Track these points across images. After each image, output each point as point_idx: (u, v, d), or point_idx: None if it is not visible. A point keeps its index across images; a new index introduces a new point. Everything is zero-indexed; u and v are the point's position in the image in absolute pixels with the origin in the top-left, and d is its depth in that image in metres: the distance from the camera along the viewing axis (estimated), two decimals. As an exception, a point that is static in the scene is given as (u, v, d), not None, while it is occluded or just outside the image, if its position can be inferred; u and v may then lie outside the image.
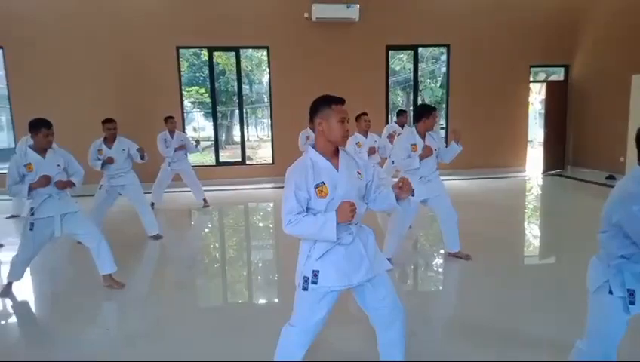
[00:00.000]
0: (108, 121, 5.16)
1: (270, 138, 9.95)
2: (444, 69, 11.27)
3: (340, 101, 2.08)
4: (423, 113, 4.10)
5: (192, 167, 7.32)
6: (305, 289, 2.06)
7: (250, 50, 10.90)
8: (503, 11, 9.50)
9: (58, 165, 3.62)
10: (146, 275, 4.54)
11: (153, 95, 8.82)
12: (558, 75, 10.88)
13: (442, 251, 4.71)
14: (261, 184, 8.86)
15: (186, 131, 9.07)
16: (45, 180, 3.47)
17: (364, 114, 5.71)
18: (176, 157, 6.85)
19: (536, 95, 16.88)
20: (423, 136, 4.10)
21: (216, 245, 5.71)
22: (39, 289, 4.09)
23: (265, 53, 9.75)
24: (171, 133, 6.81)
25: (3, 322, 3.49)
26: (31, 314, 3.66)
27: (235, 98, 13.28)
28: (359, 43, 9.23)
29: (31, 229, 3.59)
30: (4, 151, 12.22)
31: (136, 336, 3.07)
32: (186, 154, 7.04)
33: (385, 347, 2.27)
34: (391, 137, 6.68)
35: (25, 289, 3.92)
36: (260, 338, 2.88)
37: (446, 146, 4.34)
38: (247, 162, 10.19)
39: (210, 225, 6.69)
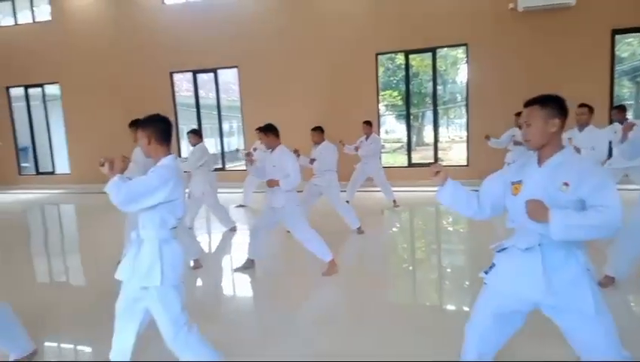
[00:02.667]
0: (313, 129, 5.81)
1: (464, 139, 9.59)
2: (696, 51, 8.93)
3: (525, 104, 1.99)
4: None
5: (384, 168, 7.61)
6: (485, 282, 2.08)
7: (446, 49, 10.66)
8: None
9: (274, 165, 4.20)
10: (347, 265, 4.76)
11: (354, 101, 9.49)
12: None
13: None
14: (453, 187, 8.60)
15: (380, 134, 9.46)
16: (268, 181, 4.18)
17: (581, 106, 4.97)
18: (367, 159, 7.22)
19: None
20: None
21: (405, 246, 5.80)
22: (264, 269, 4.71)
23: (462, 51, 9.44)
24: (367, 136, 7.22)
25: (240, 295, 4.29)
26: (259, 290, 4.34)
27: (427, 99, 13.21)
28: (576, 30, 8.09)
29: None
30: (235, 153, 14.85)
31: (335, 318, 3.41)
32: (379, 157, 7.38)
33: None
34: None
35: (253, 269, 4.64)
36: (448, 343, 2.84)
37: None
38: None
39: (398, 225, 6.83)
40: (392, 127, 18.10)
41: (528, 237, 1.91)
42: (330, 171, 5.73)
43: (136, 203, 2.22)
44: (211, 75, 10.77)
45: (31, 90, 12.14)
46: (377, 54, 9.54)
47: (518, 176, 1.99)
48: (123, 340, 2.54)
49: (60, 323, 3.49)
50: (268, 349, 2.96)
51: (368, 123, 7.26)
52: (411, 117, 10.65)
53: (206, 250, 5.77)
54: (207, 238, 6.34)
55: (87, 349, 3.13)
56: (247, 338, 3.13)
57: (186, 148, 13.67)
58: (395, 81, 14.26)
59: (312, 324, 3.39)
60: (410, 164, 9.93)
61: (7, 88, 12.13)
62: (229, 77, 11.49)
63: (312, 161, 5.71)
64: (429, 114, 11.44)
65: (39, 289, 4.53)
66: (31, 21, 11.81)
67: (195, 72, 10.82)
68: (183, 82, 11.74)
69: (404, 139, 10.61)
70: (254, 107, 10.18)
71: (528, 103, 1.97)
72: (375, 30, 9.32)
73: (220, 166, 10.60)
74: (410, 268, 4.80)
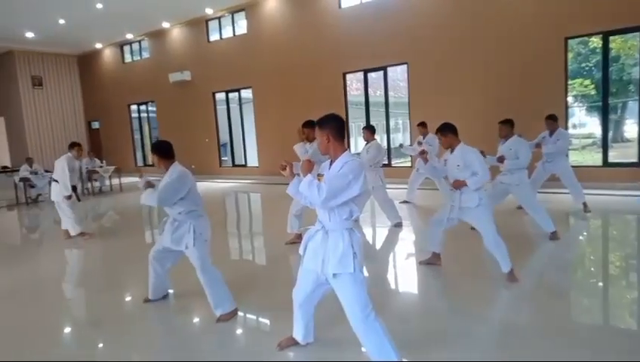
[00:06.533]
0: (501, 122, 5.37)
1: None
2: None
3: None
4: None
5: (572, 167, 6.71)
6: None
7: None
8: None
9: (458, 165, 4.02)
10: (528, 272, 4.43)
11: (536, 93, 8.62)
12: None
13: None
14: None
15: (567, 129, 8.36)
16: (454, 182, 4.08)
17: None
18: (551, 157, 6.46)
19: None
20: None
21: (593, 258, 5.05)
22: (439, 267, 4.61)
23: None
24: (551, 132, 6.46)
25: (409, 290, 4.37)
26: (431, 287, 4.31)
27: (631, 87, 11.08)
28: None
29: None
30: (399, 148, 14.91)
31: (512, 329, 3.18)
32: (566, 154, 6.52)
33: None
34: None
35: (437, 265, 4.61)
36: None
37: None
38: (644, 164, 8.38)
39: (587, 234, 5.97)
40: (582, 121, 15.79)
41: None
42: (520, 169, 5.27)
43: (336, 198, 2.37)
44: (380, 73, 11.03)
45: (230, 95, 14.31)
46: (567, 38, 8.43)
47: None
48: (307, 322, 2.90)
49: (245, 295, 4.01)
50: (436, 351, 2.92)
51: (552, 117, 6.46)
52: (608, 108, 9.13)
53: (372, 243, 6.00)
54: (372, 232, 6.56)
55: (267, 321, 3.55)
56: (415, 336, 3.12)
57: (354, 144, 14.35)
58: (587, 68, 12.29)
59: (488, 332, 3.23)
60: (606, 164, 8.51)
61: (214, 93, 14.54)
62: (396, 74, 11.61)
63: (501, 159, 5.24)
64: (633, 105, 9.61)
65: (231, 264, 5.36)
66: (232, 35, 13.89)
67: (365, 71, 11.23)
68: (353, 81, 12.32)
69: (598, 134, 9.17)
70: (423, 102, 10.08)
71: None
72: (565, 11, 8.25)
73: (386, 162, 10.82)
74: (600, 284, 4.18)
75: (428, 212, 7.36)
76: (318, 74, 11.77)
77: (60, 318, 3.93)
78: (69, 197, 6.46)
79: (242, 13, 13.39)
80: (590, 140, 12.78)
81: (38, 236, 7.39)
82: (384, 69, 10.87)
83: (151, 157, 17.29)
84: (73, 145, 6.70)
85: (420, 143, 7.63)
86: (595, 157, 8.94)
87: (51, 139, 18.09)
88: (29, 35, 15.05)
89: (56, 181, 6.52)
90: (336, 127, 2.51)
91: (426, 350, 2.91)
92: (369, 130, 6.39)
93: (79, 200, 6.88)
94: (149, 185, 3.51)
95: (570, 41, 8.61)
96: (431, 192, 8.45)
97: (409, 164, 10.68)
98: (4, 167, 15.25)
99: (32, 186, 10.92)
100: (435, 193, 8.19)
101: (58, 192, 6.50)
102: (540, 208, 5.34)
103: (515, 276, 4.00)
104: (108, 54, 17.86)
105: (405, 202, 8.03)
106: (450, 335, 3.12)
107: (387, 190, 6.49)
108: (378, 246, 5.87)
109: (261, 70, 13.05)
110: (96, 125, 19.30)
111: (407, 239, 5.98)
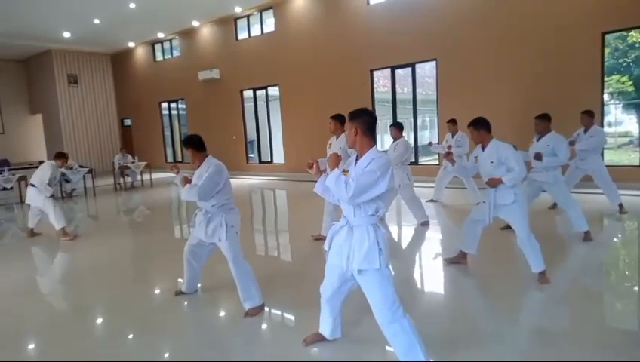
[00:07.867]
0: (538, 117, 5.23)
1: None
2: None
3: None
4: None
5: (607, 166, 6.49)
6: None
7: None
8: None
9: (492, 162, 3.92)
10: (564, 274, 4.32)
11: (570, 89, 8.36)
12: None
13: None
14: None
15: (604, 127, 8.07)
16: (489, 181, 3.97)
17: None
18: (584, 154, 6.25)
19: None
20: None
21: (628, 260, 4.86)
22: (466, 266, 4.55)
23: None
24: (586, 129, 6.27)
25: (436, 290, 4.33)
26: (458, 286, 4.26)
27: (674, 84, 10.56)
28: None
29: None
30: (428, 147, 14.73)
31: (543, 332, 3.12)
32: (601, 154, 6.31)
33: None
34: None
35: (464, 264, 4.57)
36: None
37: None
38: (686, 164, 8.02)
39: (622, 235, 5.77)
40: (618, 119, 15.19)
41: None
42: (556, 166, 5.10)
43: (365, 194, 2.35)
44: (408, 69, 10.92)
45: (258, 92, 14.44)
46: (604, 33, 8.13)
47: None
48: (334, 318, 2.91)
49: (271, 290, 4.05)
50: (464, 353, 2.89)
51: (589, 113, 6.26)
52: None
53: (398, 242, 5.96)
54: (399, 231, 6.52)
55: (292, 317, 3.59)
56: (443, 336, 3.10)
57: (380, 142, 14.26)
58: (625, 64, 11.80)
59: (519, 334, 3.17)
60: (645, 163, 8.21)
61: (241, 91, 14.72)
62: (424, 70, 11.46)
63: (538, 156, 5.00)
64: (675, 102, 9.22)
65: (257, 260, 5.41)
66: (260, 33, 14.01)
67: (393, 68, 11.13)
68: (380, 78, 12.23)
69: (635, 132, 8.84)
70: (452, 99, 9.93)
71: None
72: (602, 4, 7.97)
73: (413, 160, 10.69)
74: (636, 288, 4.03)
75: (455, 211, 7.27)
76: (345, 71, 11.75)
77: (89, 310, 4.05)
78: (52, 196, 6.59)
79: (270, 12, 13.49)
80: (627, 139, 12.29)
81: (72, 229, 7.64)
82: (412, 65, 10.76)
83: (183, 153, 17.91)
84: (59, 156, 6.73)
85: (449, 147, 7.35)
86: (631, 157, 8.60)
87: (85, 135, 18.74)
88: (66, 34, 15.60)
89: (34, 185, 6.64)
90: (365, 122, 2.48)
91: (455, 351, 2.88)
92: (397, 128, 6.34)
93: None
94: (186, 180, 3.57)
95: (607, 36, 8.30)
96: (459, 191, 8.33)
97: (437, 162, 10.55)
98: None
99: (68, 181, 11.33)
100: (463, 192, 8.07)
101: (35, 196, 6.61)
102: (576, 205, 5.20)
103: (546, 277, 3.91)
104: (140, 53, 18.33)
105: (432, 201, 7.95)
106: (480, 337, 3.08)
107: (414, 188, 6.43)
108: (404, 245, 5.82)
109: (288, 68, 13.13)
110: (128, 122, 19.86)
111: (434, 238, 5.91)
